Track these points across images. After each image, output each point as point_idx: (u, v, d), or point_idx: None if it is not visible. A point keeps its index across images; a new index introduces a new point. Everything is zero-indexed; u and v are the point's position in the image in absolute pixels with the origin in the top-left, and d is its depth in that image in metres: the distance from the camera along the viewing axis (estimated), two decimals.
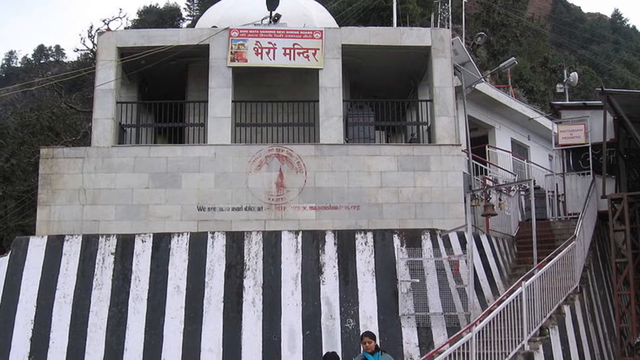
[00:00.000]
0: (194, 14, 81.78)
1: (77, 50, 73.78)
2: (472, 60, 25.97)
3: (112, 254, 20.12)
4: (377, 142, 24.65)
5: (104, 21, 44.91)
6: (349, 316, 19.37)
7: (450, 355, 14.96)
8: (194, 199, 21.35)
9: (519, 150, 35.03)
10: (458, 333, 16.99)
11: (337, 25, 26.93)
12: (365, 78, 26.35)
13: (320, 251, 20.21)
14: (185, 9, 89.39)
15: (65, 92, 44.04)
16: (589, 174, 26.18)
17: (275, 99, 23.86)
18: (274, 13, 23.89)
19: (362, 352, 14.63)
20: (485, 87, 31.15)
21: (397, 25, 32.55)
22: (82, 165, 21.49)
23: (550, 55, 67.46)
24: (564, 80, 39.03)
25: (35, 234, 20.94)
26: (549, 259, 19.05)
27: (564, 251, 19.55)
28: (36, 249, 20.17)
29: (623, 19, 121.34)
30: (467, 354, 15.32)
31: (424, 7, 54.22)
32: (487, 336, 16.25)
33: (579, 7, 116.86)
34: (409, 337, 19.22)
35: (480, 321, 16.19)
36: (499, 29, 56.87)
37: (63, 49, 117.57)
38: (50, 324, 19.23)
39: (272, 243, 20.28)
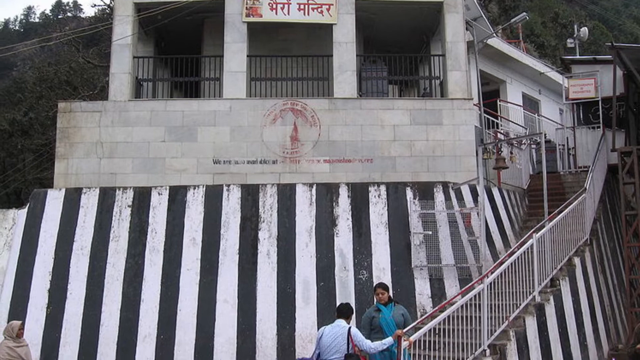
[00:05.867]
0: None
1: (95, 5, 74.09)
2: (483, 15, 26.04)
3: (128, 206, 20.31)
4: (390, 96, 24.81)
5: None
6: (362, 268, 19.55)
7: (462, 306, 15.04)
8: (210, 152, 21.44)
9: (530, 104, 35.04)
10: (470, 284, 17.20)
11: None
12: (378, 33, 26.37)
13: (334, 204, 20.39)
14: None
15: (83, 47, 43.93)
16: (599, 127, 26.35)
17: (289, 54, 23.83)
18: None
19: (375, 303, 14.83)
20: (497, 42, 31.10)
21: None
22: (99, 119, 21.60)
23: (561, 11, 66.92)
24: (575, 35, 39.06)
25: (53, 187, 21.04)
26: (560, 212, 19.15)
27: (574, 204, 19.66)
28: (54, 201, 20.34)
29: None
30: (479, 305, 15.37)
31: None
32: (498, 287, 16.38)
33: None
34: (422, 288, 19.43)
35: (492, 273, 16.25)
36: None
37: (81, 5, 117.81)
38: (67, 275, 19.40)
39: (286, 196, 20.46)
